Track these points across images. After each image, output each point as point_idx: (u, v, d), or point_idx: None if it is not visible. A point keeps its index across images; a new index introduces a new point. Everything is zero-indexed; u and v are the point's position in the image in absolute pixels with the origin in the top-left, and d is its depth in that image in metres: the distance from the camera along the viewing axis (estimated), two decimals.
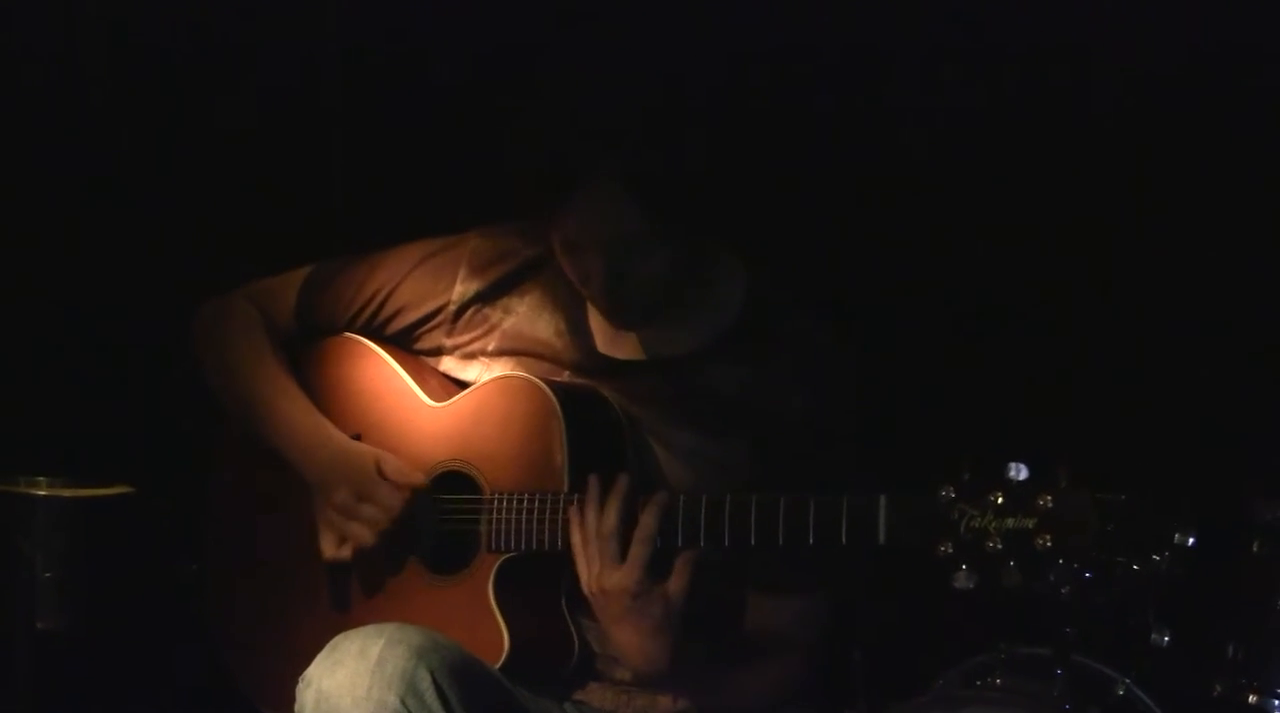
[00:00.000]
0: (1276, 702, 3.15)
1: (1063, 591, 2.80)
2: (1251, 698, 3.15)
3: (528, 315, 3.04)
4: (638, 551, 2.75)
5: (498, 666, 2.86)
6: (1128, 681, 3.20)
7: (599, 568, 2.76)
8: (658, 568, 2.76)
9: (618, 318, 2.93)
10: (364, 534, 2.97)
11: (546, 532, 2.86)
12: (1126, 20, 3.72)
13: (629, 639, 2.78)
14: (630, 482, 2.80)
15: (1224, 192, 3.73)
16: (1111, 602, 3.25)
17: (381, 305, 3.10)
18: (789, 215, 3.85)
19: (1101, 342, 3.79)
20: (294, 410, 3.08)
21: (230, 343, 3.15)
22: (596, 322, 3.02)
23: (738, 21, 3.78)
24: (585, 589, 2.79)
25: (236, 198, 4.06)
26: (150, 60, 4.07)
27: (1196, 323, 3.74)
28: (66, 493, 3.45)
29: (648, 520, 2.76)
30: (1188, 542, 3.22)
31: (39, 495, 3.43)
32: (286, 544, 3.11)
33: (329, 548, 3.00)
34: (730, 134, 3.05)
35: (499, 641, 2.87)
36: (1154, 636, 3.23)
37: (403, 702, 2.69)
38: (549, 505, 2.87)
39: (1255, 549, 3.21)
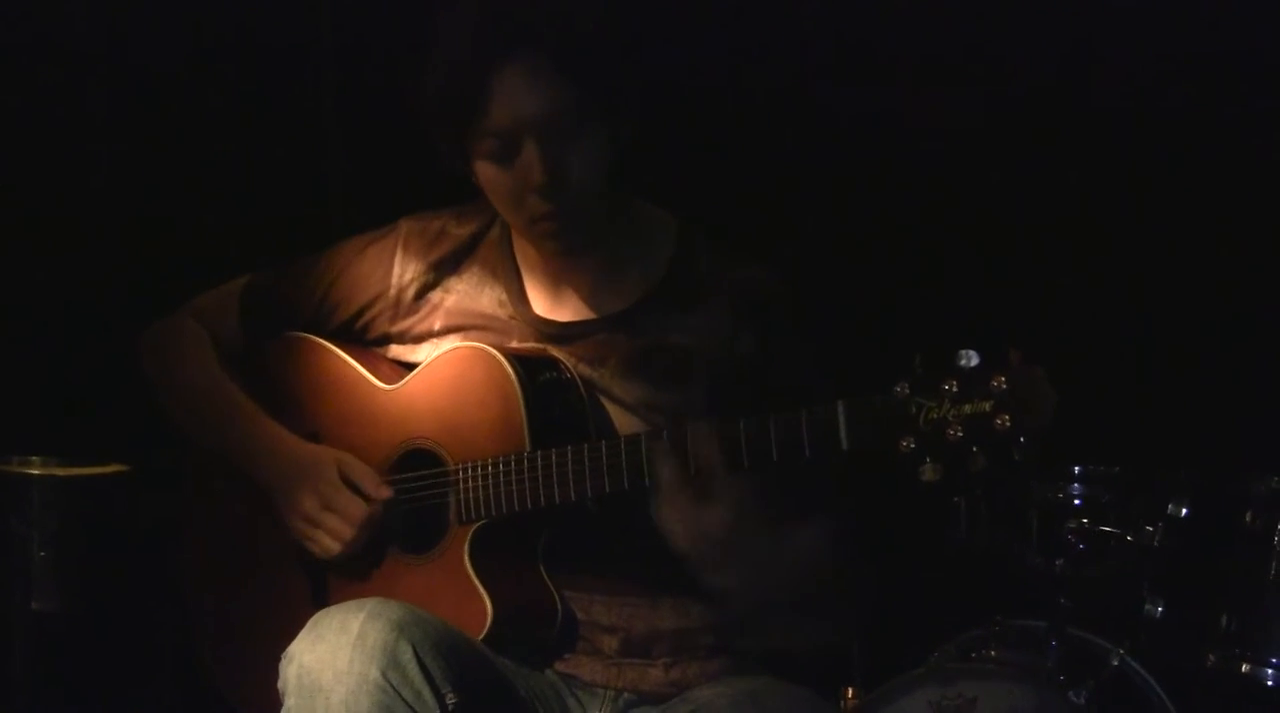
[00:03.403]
0: (1269, 671, 3.16)
1: (1028, 468, 2.76)
2: (1245, 668, 3.17)
3: (469, 291, 3.04)
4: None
5: (483, 635, 2.86)
6: (1122, 652, 3.22)
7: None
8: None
9: (564, 235, 2.90)
10: (330, 545, 2.97)
11: (516, 494, 2.85)
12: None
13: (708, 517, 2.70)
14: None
15: (1220, 176, 3.74)
16: (1105, 573, 3.27)
17: (323, 302, 3.09)
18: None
19: (1097, 317, 3.80)
20: (249, 422, 3.06)
21: (178, 363, 3.13)
22: (532, 288, 3.02)
23: None
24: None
25: (230, 186, 4.06)
26: (147, 58, 4.07)
27: (1192, 298, 3.75)
28: (61, 472, 3.44)
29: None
30: (1181, 513, 3.25)
31: (33, 475, 3.42)
32: (264, 539, 3.10)
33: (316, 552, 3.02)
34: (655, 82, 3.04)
35: (482, 609, 2.86)
36: (1148, 607, 3.25)
37: (384, 675, 2.67)
38: (514, 467, 2.87)
39: (1248, 521, 3.22)
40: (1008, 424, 2.51)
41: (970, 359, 2.55)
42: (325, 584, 3.02)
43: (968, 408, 2.54)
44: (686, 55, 3.86)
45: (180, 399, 3.14)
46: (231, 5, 4.04)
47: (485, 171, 2.88)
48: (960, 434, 2.54)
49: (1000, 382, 2.52)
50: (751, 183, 3.91)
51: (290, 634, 2.76)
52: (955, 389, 2.55)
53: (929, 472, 2.56)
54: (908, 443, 2.57)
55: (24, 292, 3.97)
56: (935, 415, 2.55)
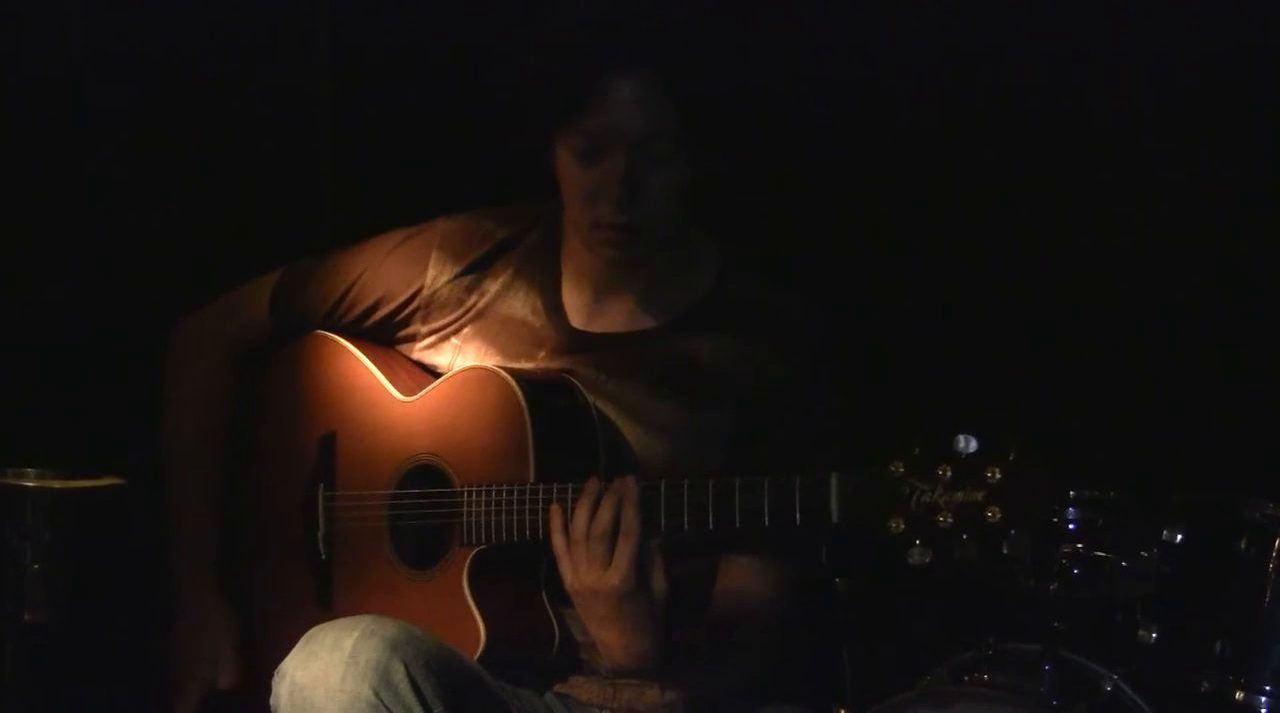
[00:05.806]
0: (1263, 698, 3.16)
1: (1017, 561, 2.80)
2: (1238, 695, 3.17)
3: (502, 295, 3.04)
4: (624, 549, 2.74)
5: (475, 658, 2.86)
6: (1115, 677, 3.21)
7: (586, 570, 2.75)
8: (642, 564, 2.76)
9: (623, 248, 2.91)
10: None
11: (516, 523, 2.86)
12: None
13: (615, 638, 2.77)
14: (633, 484, 2.77)
15: (1214, 190, 3.74)
16: (1099, 598, 3.27)
17: (356, 298, 3.10)
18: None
19: (1092, 341, 3.80)
20: (195, 534, 3.17)
21: (181, 404, 3.22)
22: (570, 298, 3.02)
23: None
24: (570, 591, 2.78)
25: (228, 195, 4.06)
26: (143, 60, 4.06)
27: (1186, 322, 3.75)
28: (56, 485, 3.44)
29: (630, 516, 2.75)
30: (1175, 539, 3.25)
31: (28, 487, 3.42)
32: (267, 543, 3.12)
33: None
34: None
35: (475, 633, 2.87)
36: (1142, 632, 3.25)
37: (376, 693, 2.68)
38: (517, 496, 2.87)
39: (1243, 547, 3.22)
40: (998, 517, 2.52)
41: (969, 444, 2.55)
42: (330, 592, 3.04)
43: (960, 495, 2.55)
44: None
45: (167, 427, 3.16)
46: (228, 6, 4.05)
47: (567, 166, 2.88)
48: (950, 521, 2.55)
49: (994, 473, 2.53)
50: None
51: (296, 635, 2.77)
52: (949, 475, 2.55)
53: (917, 555, 2.58)
54: (897, 524, 2.58)
55: (19, 303, 3.97)
56: (927, 499, 2.56)
